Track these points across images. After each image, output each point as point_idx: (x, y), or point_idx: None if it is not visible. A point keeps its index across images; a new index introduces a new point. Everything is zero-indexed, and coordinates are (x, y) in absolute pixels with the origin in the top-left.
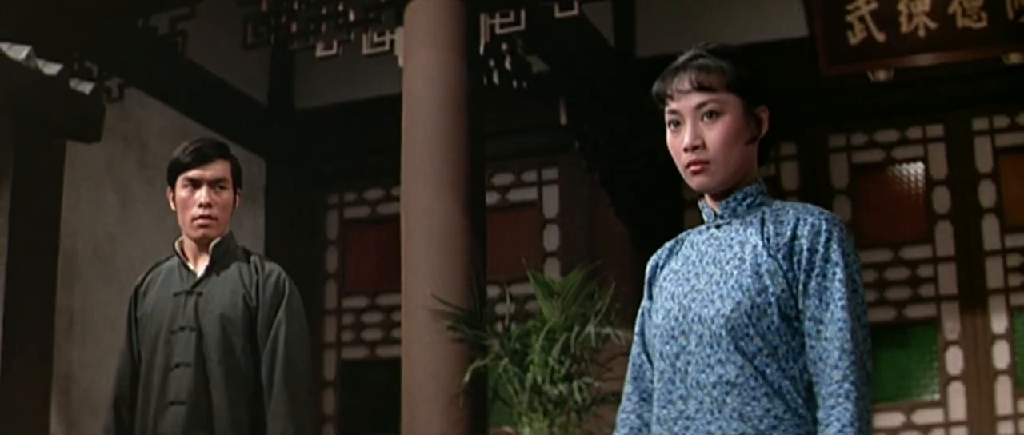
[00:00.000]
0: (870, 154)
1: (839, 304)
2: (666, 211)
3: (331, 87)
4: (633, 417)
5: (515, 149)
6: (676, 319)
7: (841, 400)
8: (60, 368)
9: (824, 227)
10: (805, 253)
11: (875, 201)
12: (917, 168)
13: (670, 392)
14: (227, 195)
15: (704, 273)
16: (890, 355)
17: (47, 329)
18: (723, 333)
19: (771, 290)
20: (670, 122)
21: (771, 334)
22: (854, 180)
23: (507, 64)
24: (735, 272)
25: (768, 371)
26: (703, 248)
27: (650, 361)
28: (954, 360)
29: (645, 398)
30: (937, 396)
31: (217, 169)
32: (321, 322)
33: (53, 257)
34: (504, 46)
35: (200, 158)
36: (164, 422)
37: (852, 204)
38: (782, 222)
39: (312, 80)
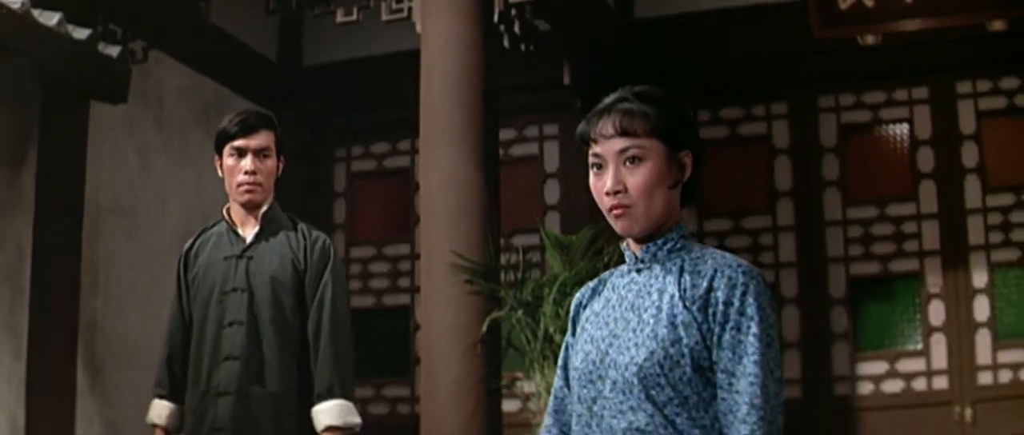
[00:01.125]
0: (858, 114)
1: (752, 359)
2: None
3: (337, 45)
4: None
5: (517, 106)
6: (593, 363)
7: None
8: (85, 318)
9: (740, 280)
10: (720, 306)
11: (862, 159)
12: (903, 129)
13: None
14: (271, 163)
15: (622, 318)
16: (875, 307)
17: (73, 281)
18: (635, 381)
19: (685, 341)
20: (593, 165)
21: (682, 384)
22: (842, 139)
23: (516, 29)
24: (651, 321)
25: (678, 420)
26: (623, 292)
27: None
28: (936, 312)
29: (565, 432)
30: (920, 346)
31: (261, 139)
32: None
33: (79, 213)
34: (514, 12)
35: (245, 128)
36: (218, 375)
37: (840, 162)
38: (699, 273)
39: (319, 38)
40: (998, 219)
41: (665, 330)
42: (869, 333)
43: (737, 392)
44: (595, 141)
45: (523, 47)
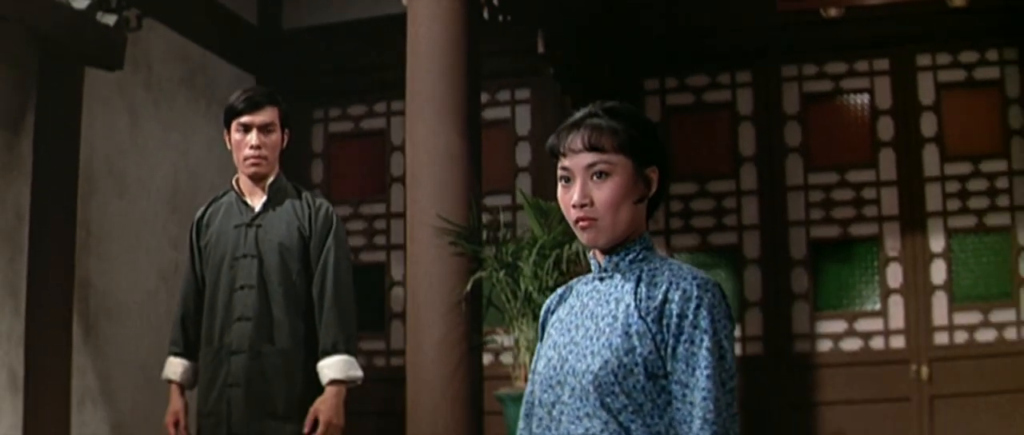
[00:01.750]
0: (820, 84)
1: (705, 372)
2: None
3: (316, 10)
4: None
5: (490, 70)
6: (554, 369)
7: None
8: (78, 275)
9: (694, 293)
10: (675, 318)
11: (824, 128)
12: (863, 99)
13: None
14: (275, 137)
15: (582, 326)
16: (835, 268)
17: (69, 241)
18: (591, 388)
19: (639, 351)
20: (562, 178)
21: (636, 392)
22: (804, 108)
23: (495, 1)
24: (607, 330)
25: (633, 426)
26: (585, 300)
27: None
28: (894, 275)
29: None
30: (878, 306)
31: (266, 115)
32: None
33: (74, 175)
34: None
35: (251, 105)
36: (230, 335)
37: (802, 130)
38: (655, 284)
39: (299, 3)
40: (956, 187)
41: (619, 339)
42: (828, 293)
43: (690, 404)
44: (564, 154)
45: (501, 18)
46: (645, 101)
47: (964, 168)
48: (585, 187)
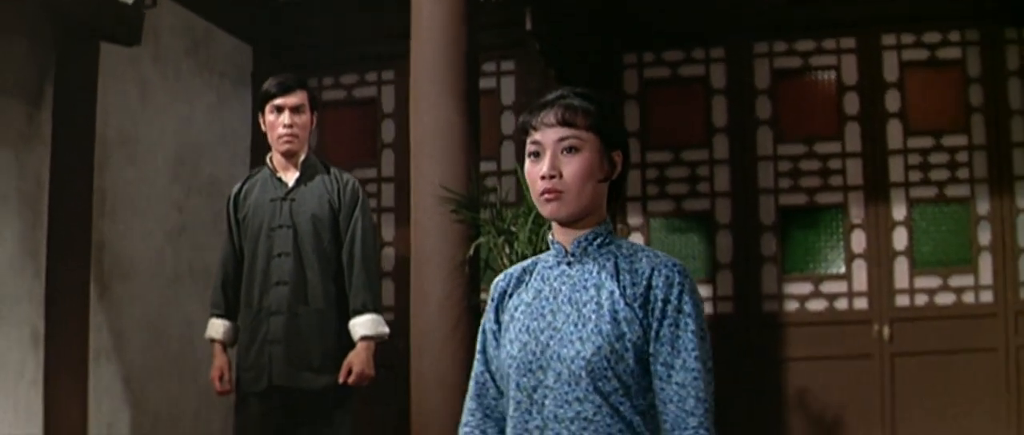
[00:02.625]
0: (789, 61)
1: (692, 354)
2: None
3: None
4: (477, 432)
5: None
6: (533, 354)
7: None
8: (94, 238)
9: (677, 280)
10: (659, 303)
11: (793, 102)
12: (830, 75)
13: (527, 421)
14: (305, 117)
15: (560, 312)
16: (802, 234)
17: (86, 207)
18: (583, 373)
19: (628, 336)
20: (531, 153)
21: (626, 375)
22: (775, 83)
23: None
24: (594, 317)
25: (622, 408)
26: (556, 285)
27: (493, 380)
28: (858, 241)
29: (488, 414)
30: (842, 270)
31: (296, 97)
32: None
33: (90, 144)
34: None
35: (283, 89)
36: (269, 298)
37: (772, 104)
38: (637, 271)
39: None
40: (917, 160)
41: (609, 326)
42: (795, 257)
43: (678, 383)
44: (536, 129)
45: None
46: (624, 75)
47: (926, 142)
48: (555, 160)
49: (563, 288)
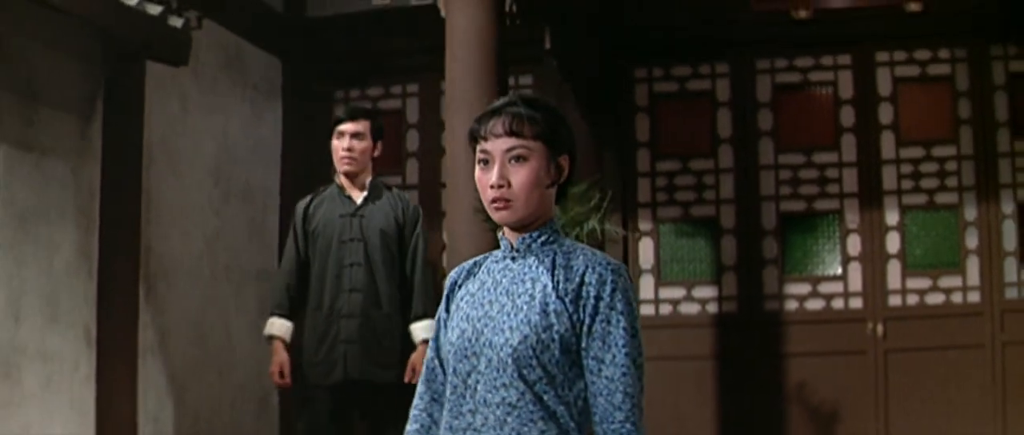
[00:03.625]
0: (790, 76)
1: (623, 351)
2: (619, 114)
3: (337, 0)
4: (424, 415)
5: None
6: (469, 340)
7: None
8: (141, 242)
9: (610, 278)
10: (592, 300)
11: (792, 114)
12: (828, 90)
13: (461, 405)
14: (365, 144)
15: (497, 301)
16: (801, 238)
17: (135, 213)
18: (509, 360)
19: (556, 328)
20: (480, 160)
21: (551, 365)
22: (775, 96)
23: (514, 8)
24: (525, 307)
25: (546, 397)
26: (498, 277)
27: (442, 366)
28: (854, 244)
29: (436, 398)
30: (839, 271)
31: (358, 125)
32: None
33: (138, 155)
34: None
35: (348, 115)
36: (340, 302)
37: (773, 116)
38: (572, 268)
39: None
40: (909, 169)
41: (538, 317)
42: (795, 260)
43: (607, 378)
44: (485, 138)
45: (518, 21)
46: (635, 88)
47: (917, 152)
48: (503, 169)
49: (503, 280)
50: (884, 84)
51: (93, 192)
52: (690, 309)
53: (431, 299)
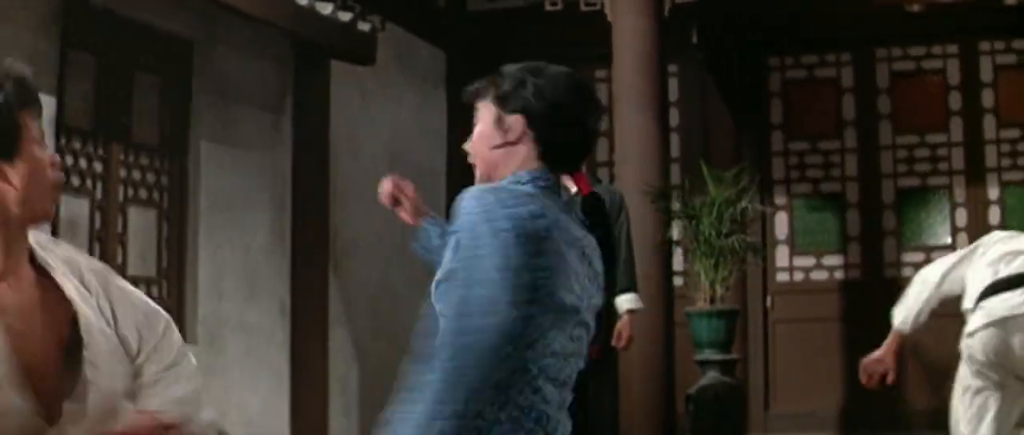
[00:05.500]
0: (904, 64)
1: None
2: (756, 100)
3: None
4: None
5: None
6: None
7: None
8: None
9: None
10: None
11: (907, 99)
12: (938, 77)
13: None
14: None
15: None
16: (915, 211)
17: (323, 196)
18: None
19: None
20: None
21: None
22: (892, 83)
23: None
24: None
25: None
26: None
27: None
28: (961, 217)
29: None
30: (949, 241)
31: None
32: None
33: (325, 146)
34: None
35: None
36: None
37: (891, 101)
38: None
39: None
40: (1008, 148)
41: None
42: (910, 231)
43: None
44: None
45: (674, 24)
46: (769, 76)
47: (1015, 133)
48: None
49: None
50: (986, 71)
51: (285, 179)
52: (820, 276)
53: (635, 275)
